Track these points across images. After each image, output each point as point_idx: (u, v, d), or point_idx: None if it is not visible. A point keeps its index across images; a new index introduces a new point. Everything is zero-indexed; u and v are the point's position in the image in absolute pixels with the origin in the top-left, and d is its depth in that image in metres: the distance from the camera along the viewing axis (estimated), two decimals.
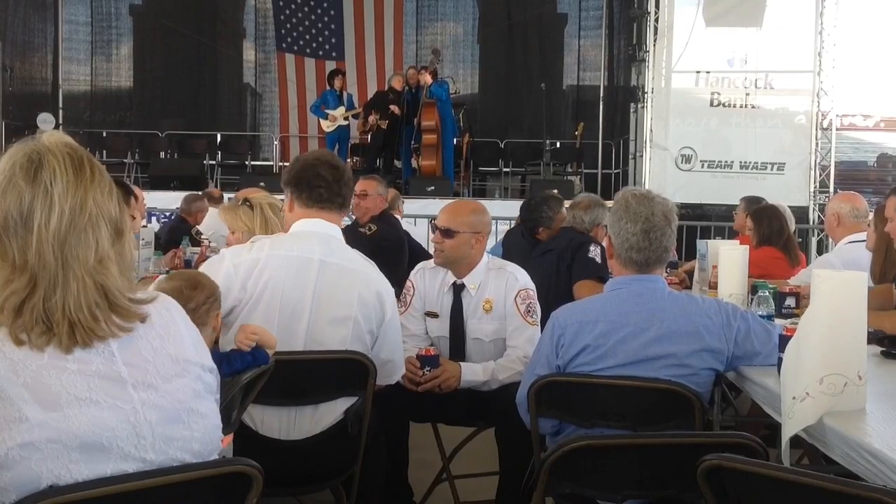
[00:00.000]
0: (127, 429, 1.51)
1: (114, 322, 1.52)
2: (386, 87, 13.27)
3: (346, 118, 13.03)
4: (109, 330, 1.52)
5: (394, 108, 12.36)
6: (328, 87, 13.37)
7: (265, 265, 2.90)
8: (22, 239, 1.48)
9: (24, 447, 1.42)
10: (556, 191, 5.89)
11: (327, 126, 13.07)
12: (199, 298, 2.47)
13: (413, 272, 3.82)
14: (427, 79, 12.18)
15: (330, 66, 15.13)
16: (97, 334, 1.51)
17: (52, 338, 1.48)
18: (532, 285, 3.68)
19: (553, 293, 4.52)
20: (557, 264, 4.80)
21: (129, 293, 1.57)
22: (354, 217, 5.90)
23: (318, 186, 3.00)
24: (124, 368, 1.54)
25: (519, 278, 3.64)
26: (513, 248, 5.59)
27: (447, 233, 3.59)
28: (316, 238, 2.96)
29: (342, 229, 3.12)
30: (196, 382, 1.63)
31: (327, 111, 13.02)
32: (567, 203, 5.59)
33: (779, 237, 5.22)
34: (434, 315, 3.72)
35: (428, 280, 3.74)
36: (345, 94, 13.23)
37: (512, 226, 6.89)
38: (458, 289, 3.67)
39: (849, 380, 2.10)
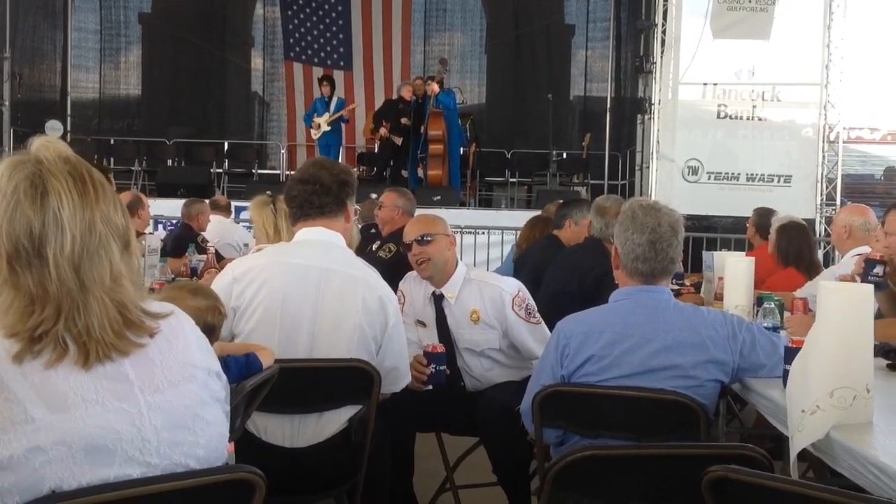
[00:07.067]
0: (132, 432, 1.51)
1: (127, 338, 1.53)
2: (395, 97, 13.29)
3: (329, 123, 13.03)
4: (126, 347, 1.52)
5: (405, 120, 12.37)
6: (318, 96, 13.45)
7: (262, 272, 2.91)
8: (38, 270, 1.47)
9: (30, 448, 1.42)
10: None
11: (314, 134, 13.21)
12: (221, 310, 2.63)
13: (402, 281, 3.85)
14: (435, 88, 12.21)
15: (338, 75, 15.18)
16: (118, 349, 1.51)
17: (65, 355, 1.47)
18: (520, 285, 3.71)
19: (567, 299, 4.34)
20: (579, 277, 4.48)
21: (142, 304, 1.57)
22: (375, 230, 5.62)
23: (290, 206, 3.08)
24: (132, 371, 1.53)
25: (506, 287, 3.66)
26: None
27: (425, 240, 3.63)
28: (319, 246, 2.96)
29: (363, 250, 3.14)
30: (203, 389, 1.63)
31: (315, 119, 13.11)
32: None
33: (799, 258, 5.04)
34: (423, 324, 3.74)
35: (414, 288, 3.79)
36: (334, 100, 13.23)
37: (518, 236, 6.77)
38: (438, 299, 3.69)
39: (858, 393, 2.09)
